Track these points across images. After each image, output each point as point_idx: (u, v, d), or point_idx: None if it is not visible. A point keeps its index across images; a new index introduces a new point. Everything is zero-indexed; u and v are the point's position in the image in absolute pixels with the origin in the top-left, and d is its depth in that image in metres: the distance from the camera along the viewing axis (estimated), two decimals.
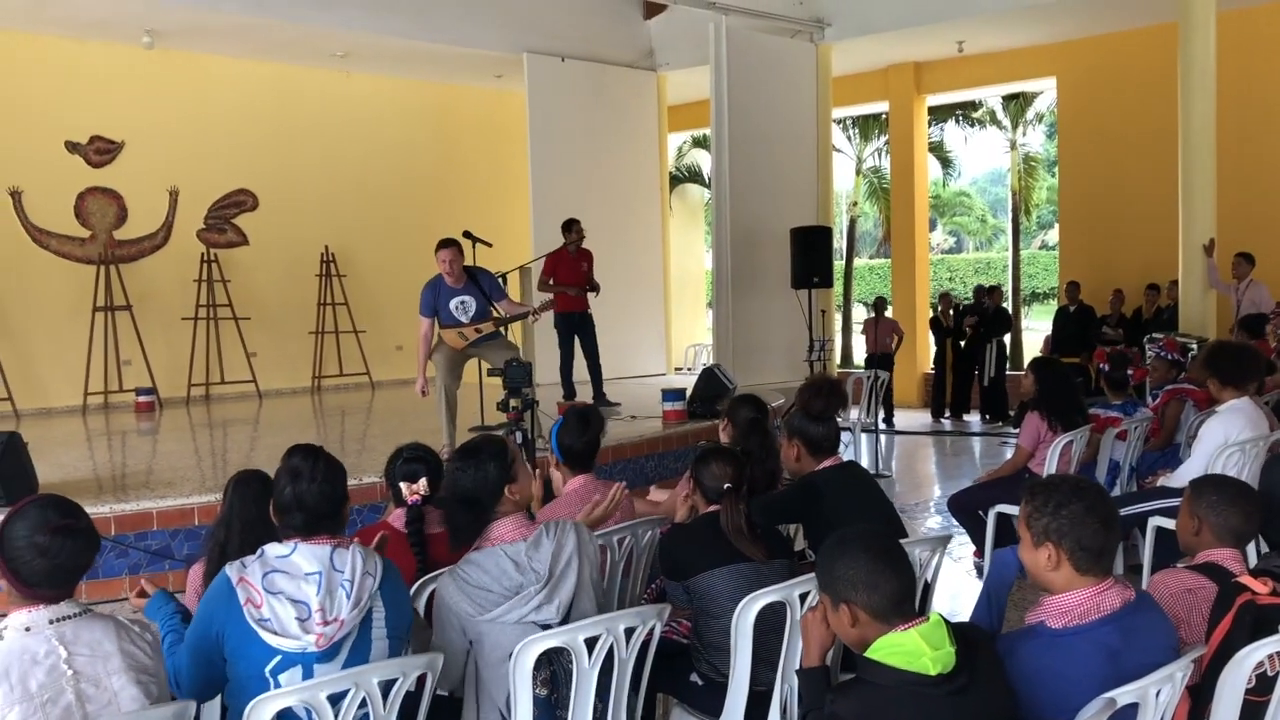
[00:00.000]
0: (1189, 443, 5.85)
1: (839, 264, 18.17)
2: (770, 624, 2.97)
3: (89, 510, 2.40)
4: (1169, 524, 4.50)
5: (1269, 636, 2.47)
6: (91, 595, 5.42)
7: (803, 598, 2.94)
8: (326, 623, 2.44)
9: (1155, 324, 11.04)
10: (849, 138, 19.47)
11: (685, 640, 3.39)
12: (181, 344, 11.77)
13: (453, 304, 7.19)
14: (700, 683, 3.25)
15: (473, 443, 2.97)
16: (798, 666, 2.63)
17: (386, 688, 2.42)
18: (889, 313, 13.55)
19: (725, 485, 3.30)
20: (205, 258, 11.94)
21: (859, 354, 17.19)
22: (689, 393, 8.72)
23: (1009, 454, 6.95)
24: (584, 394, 9.39)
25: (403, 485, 3.41)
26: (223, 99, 12.04)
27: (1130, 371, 6.47)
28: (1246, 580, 2.67)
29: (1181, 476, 4.93)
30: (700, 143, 17.17)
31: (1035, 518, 2.45)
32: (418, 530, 3.37)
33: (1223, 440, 4.88)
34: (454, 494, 2.88)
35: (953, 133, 19.67)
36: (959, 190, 30.16)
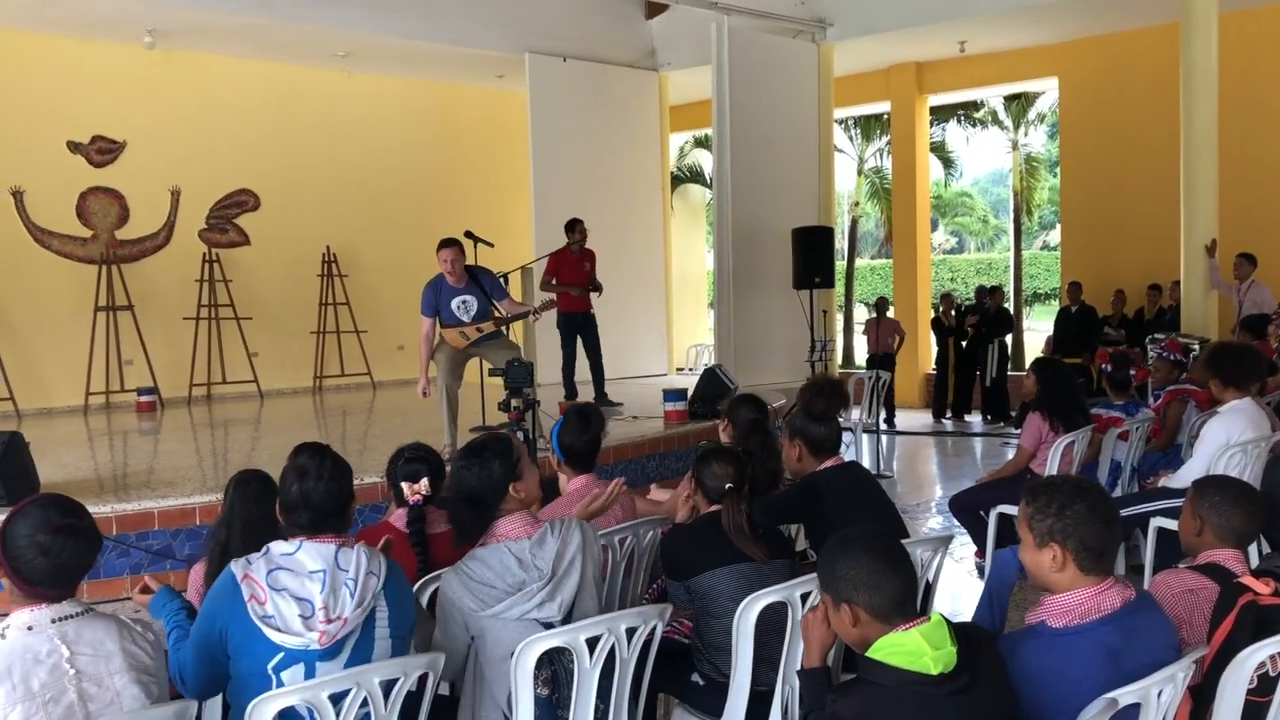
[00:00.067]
0: (1191, 443, 5.85)
1: (840, 264, 18.15)
2: (771, 624, 2.97)
3: (90, 510, 2.40)
4: (1171, 524, 4.50)
5: (1271, 637, 2.47)
6: (93, 595, 5.43)
7: (804, 598, 2.94)
8: (330, 620, 2.45)
9: (1157, 324, 11.05)
10: (850, 138, 19.45)
11: (686, 640, 3.39)
12: (183, 344, 11.78)
13: (454, 303, 7.19)
14: (701, 683, 3.26)
15: (478, 440, 2.97)
16: (799, 667, 2.63)
17: (388, 687, 2.43)
18: (890, 313, 13.55)
19: (727, 485, 3.30)
20: (207, 257, 11.95)
21: (860, 354, 17.18)
22: (690, 393, 8.72)
23: (1010, 454, 6.95)
24: (585, 394, 9.39)
25: (404, 485, 3.41)
26: (225, 99, 12.05)
27: (1133, 372, 6.47)
28: (1248, 581, 2.66)
29: (1183, 477, 4.93)
30: (702, 143, 17.16)
31: (1038, 519, 2.45)
32: (419, 530, 3.37)
33: (1224, 441, 4.88)
34: (459, 491, 2.89)
35: (954, 133, 19.65)
36: (961, 190, 30.16)
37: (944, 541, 3.42)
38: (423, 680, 2.54)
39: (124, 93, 11.42)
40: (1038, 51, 12.98)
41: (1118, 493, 5.85)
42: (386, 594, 2.59)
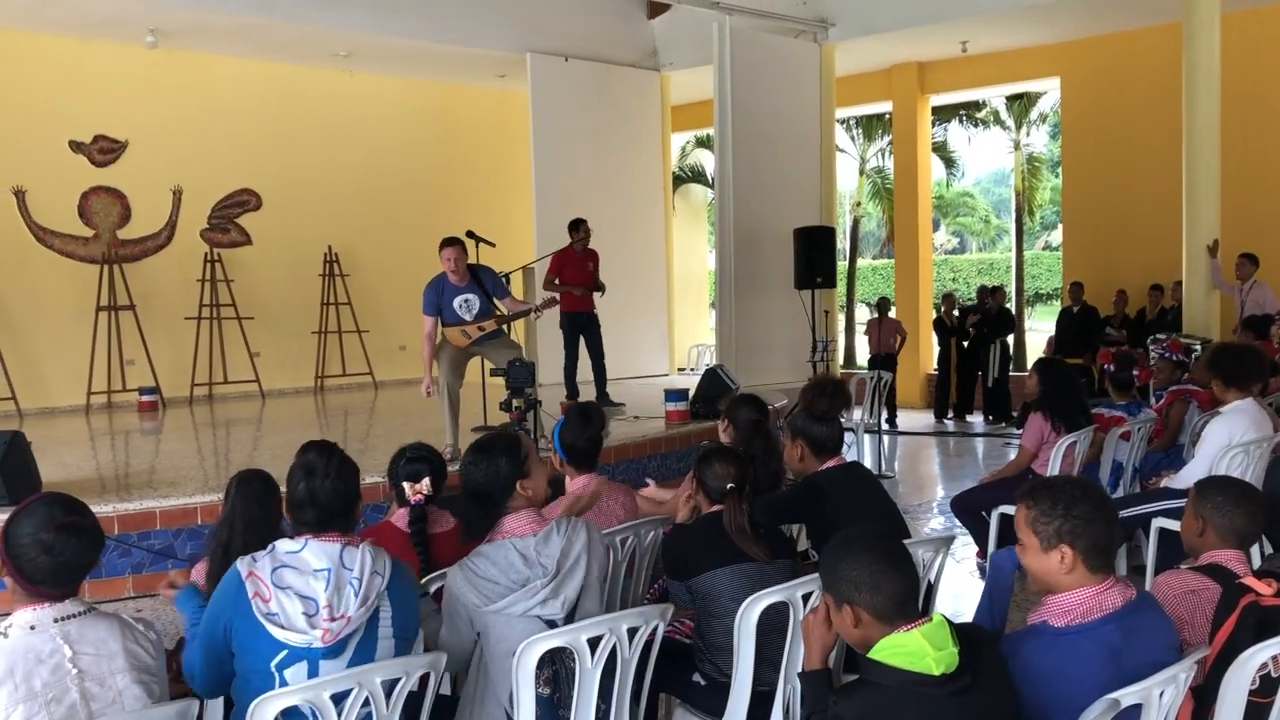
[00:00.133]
0: (1193, 444, 5.84)
1: (842, 264, 18.14)
2: (773, 624, 2.97)
3: (92, 509, 2.40)
4: (1172, 525, 4.50)
5: (1273, 638, 2.47)
6: (94, 594, 5.44)
7: (806, 598, 2.94)
8: (333, 619, 2.45)
9: (1159, 325, 11.04)
10: (852, 138, 19.44)
11: (688, 640, 3.39)
12: (185, 343, 11.79)
13: (456, 302, 7.18)
14: (703, 683, 3.25)
15: (487, 437, 3.00)
16: (800, 669, 2.63)
17: (390, 687, 2.43)
18: (892, 313, 13.54)
19: (728, 485, 3.30)
20: (209, 257, 11.95)
21: (862, 355, 17.17)
22: (692, 393, 8.72)
23: (1012, 455, 6.94)
24: (587, 395, 9.38)
25: (406, 485, 3.41)
26: (226, 99, 12.06)
27: (1136, 372, 6.47)
28: (1250, 582, 2.66)
29: (1185, 478, 4.93)
30: (703, 143, 17.15)
31: (1044, 521, 2.42)
32: (420, 530, 3.38)
33: (1226, 441, 4.87)
34: (467, 487, 2.90)
35: (956, 133, 19.63)
36: (962, 191, 30.18)
37: (946, 542, 3.42)
38: (424, 680, 2.54)
39: (125, 92, 11.43)
40: (1039, 51, 12.97)
41: (1119, 493, 5.84)
42: (390, 594, 2.59)
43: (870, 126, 18.96)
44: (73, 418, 10.65)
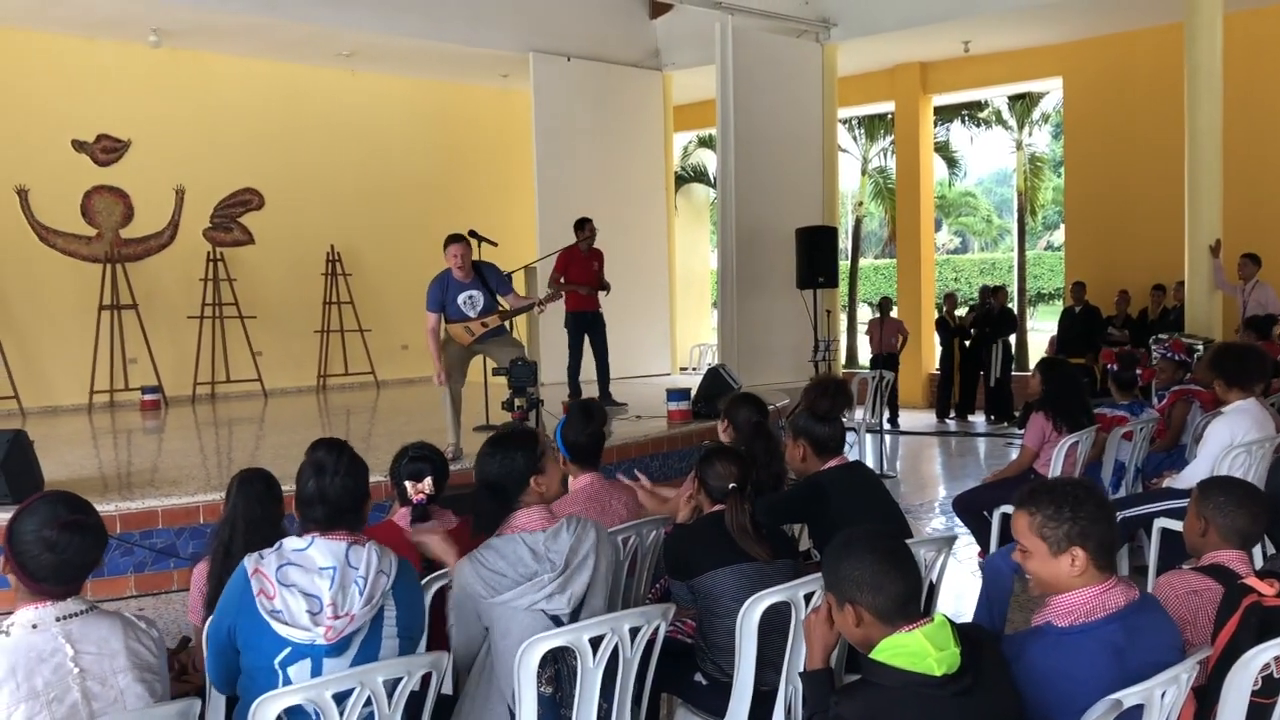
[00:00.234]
0: (1195, 444, 5.84)
1: (844, 264, 18.15)
2: (775, 624, 2.97)
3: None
4: (1174, 525, 4.50)
5: (1275, 638, 2.46)
6: (97, 593, 5.44)
7: (807, 598, 2.94)
8: (337, 617, 2.46)
9: (1161, 325, 11.03)
10: (854, 138, 19.45)
11: (690, 640, 3.39)
12: (187, 342, 11.79)
13: (460, 299, 7.18)
14: (704, 683, 3.25)
15: (504, 431, 3.02)
16: (802, 669, 2.63)
17: (392, 687, 2.43)
18: (894, 313, 13.54)
19: (730, 485, 3.30)
20: (211, 256, 11.96)
21: (864, 354, 17.17)
22: (694, 393, 8.72)
23: (1014, 455, 6.94)
24: (589, 394, 9.38)
25: (408, 484, 3.42)
26: (229, 98, 12.07)
27: (1139, 372, 6.46)
28: (1253, 582, 2.66)
29: (1187, 478, 4.92)
30: (706, 142, 17.16)
31: (1052, 525, 2.41)
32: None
33: (1228, 441, 4.87)
34: (480, 479, 2.91)
35: (958, 133, 19.64)
36: (964, 190, 30.18)
37: (948, 542, 3.42)
38: (426, 680, 2.54)
39: (128, 92, 11.43)
40: (1042, 51, 12.96)
41: (1122, 493, 5.84)
42: (396, 594, 2.60)
43: (872, 126, 18.97)
44: (75, 416, 10.66)
